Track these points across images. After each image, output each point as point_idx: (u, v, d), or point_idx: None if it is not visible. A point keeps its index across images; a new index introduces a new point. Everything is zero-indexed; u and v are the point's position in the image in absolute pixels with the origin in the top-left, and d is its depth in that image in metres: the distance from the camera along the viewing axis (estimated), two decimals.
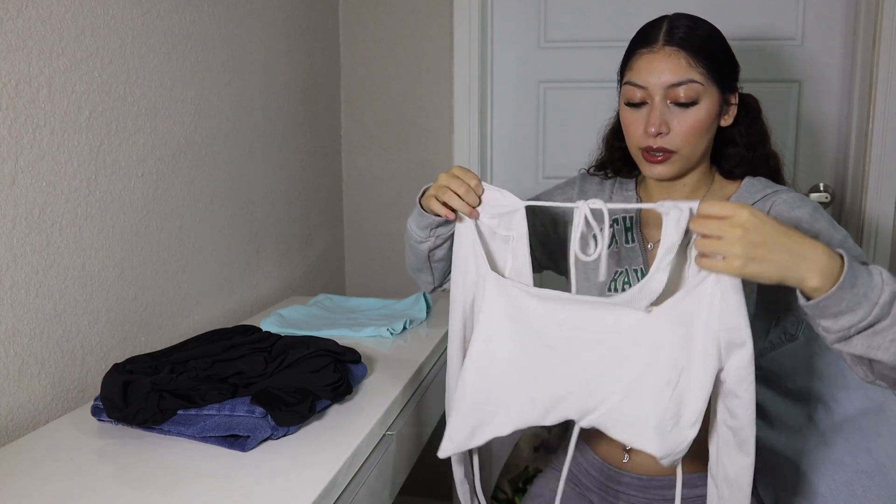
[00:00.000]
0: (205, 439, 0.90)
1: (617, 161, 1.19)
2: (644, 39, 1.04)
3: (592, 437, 1.19)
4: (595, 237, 0.89)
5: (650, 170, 1.06)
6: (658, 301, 0.85)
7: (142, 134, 1.22)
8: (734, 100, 1.07)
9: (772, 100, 1.23)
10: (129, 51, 1.18)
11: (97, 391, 0.97)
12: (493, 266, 0.95)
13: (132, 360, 1.02)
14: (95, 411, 0.96)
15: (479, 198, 0.95)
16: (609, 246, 1.14)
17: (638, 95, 1.03)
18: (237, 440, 0.89)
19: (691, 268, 0.84)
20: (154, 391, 0.91)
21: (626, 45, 1.08)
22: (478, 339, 0.91)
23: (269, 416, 0.90)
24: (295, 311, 1.50)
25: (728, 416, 0.84)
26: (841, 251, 0.80)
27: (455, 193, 0.94)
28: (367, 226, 2.14)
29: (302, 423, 0.95)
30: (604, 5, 1.96)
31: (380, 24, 2.04)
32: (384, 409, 1.02)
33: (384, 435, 1.03)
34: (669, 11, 1.08)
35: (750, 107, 1.11)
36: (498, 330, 0.90)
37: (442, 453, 0.92)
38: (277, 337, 1.12)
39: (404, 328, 1.41)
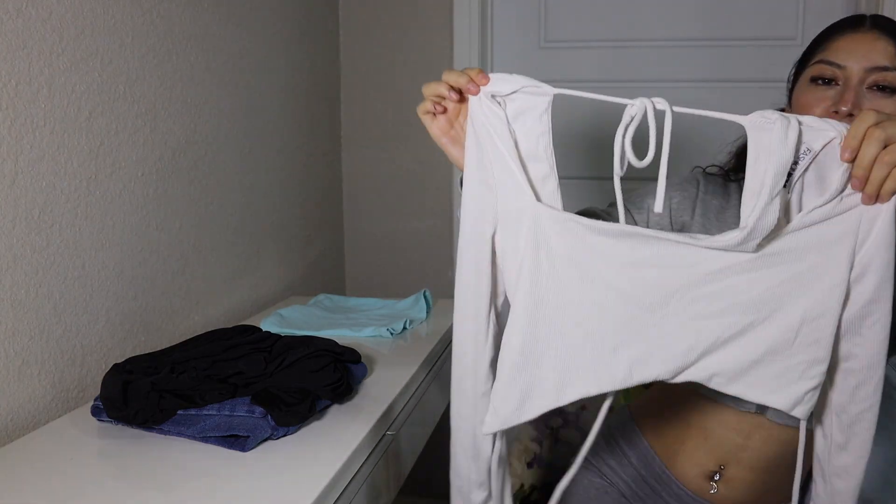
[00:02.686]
0: (205, 439, 0.90)
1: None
2: (847, 23, 0.96)
3: (670, 453, 1.06)
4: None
5: None
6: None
7: (142, 134, 1.22)
8: None
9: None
10: (129, 51, 1.18)
11: (97, 391, 0.96)
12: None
13: (132, 360, 1.01)
14: (95, 411, 0.96)
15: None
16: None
17: (830, 73, 0.93)
18: (237, 440, 0.89)
19: (804, 195, 0.73)
20: (154, 391, 0.91)
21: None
22: (524, 289, 0.75)
23: (269, 416, 0.90)
24: (295, 311, 1.50)
25: (845, 358, 0.75)
26: None
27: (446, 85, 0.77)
28: (367, 226, 2.14)
29: (302, 423, 0.94)
30: (604, 5, 1.95)
31: (380, 24, 2.04)
32: (384, 409, 1.02)
33: (384, 435, 1.03)
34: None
35: None
36: (551, 276, 0.75)
37: (486, 429, 0.79)
38: (277, 337, 1.12)
39: (404, 328, 1.41)
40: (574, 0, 1.97)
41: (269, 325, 1.38)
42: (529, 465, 1.46)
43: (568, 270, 0.75)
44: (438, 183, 2.06)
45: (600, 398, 0.77)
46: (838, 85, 0.92)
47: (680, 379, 0.75)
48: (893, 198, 0.69)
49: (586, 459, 1.11)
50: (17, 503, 0.77)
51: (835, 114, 0.90)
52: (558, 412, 1.47)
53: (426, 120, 0.82)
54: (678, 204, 1.04)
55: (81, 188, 1.09)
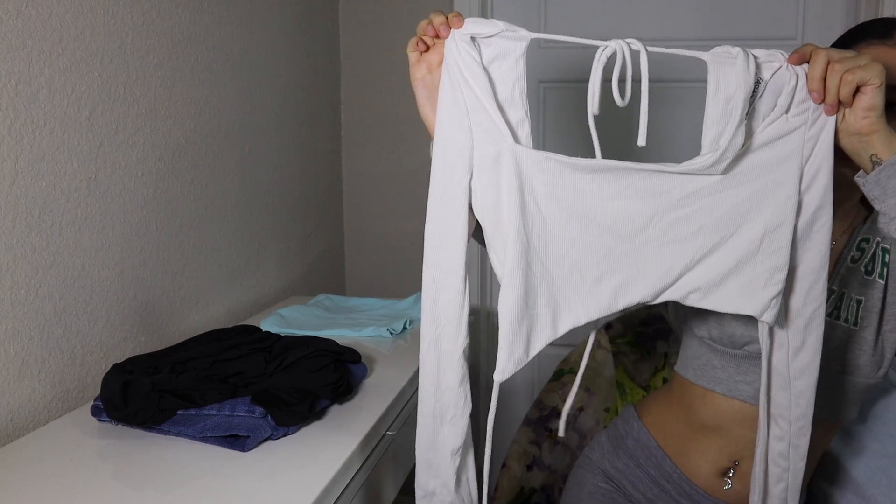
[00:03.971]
0: (205, 439, 0.90)
1: None
2: (873, 30, 0.92)
3: (682, 452, 1.04)
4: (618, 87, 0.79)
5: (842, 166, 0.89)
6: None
7: (142, 134, 1.22)
8: None
9: None
10: (129, 51, 1.18)
11: (97, 391, 0.97)
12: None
13: (132, 360, 1.02)
14: (95, 411, 0.96)
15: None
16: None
17: None
18: (237, 440, 0.89)
19: (758, 117, 0.78)
20: (154, 391, 0.91)
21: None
22: (514, 233, 0.77)
23: (269, 416, 0.90)
24: (295, 311, 1.50)
25: (799, 262, 0.80)
26: None
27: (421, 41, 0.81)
28: (367, 226, 2.14)
29: (302, 423, 0.95)
30: (604, 6, 1.95)
31: (380, 24, 2.04)
32: (384, 409, 1.02)
33: (384, 435, 1.03)
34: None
35: None
36: (536, 215, 0.78)
37: (501, 376, 0.77)
38: (277, 337, 1.12)
39: (404, 328, 1.41)
40: (574, 0, 1.97)
41: (269, 325, 1.38)
42: (529, 467, 1.45)
43: (551, 208, 0.78)
44: None
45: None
46: None
47: (660, 299, 0.80)
48: (832, 116, 0.76)
49: (591, 462, 1.11)
50: (17, 503, 0.77)
51: None
52: (556, 414, 1.47)
53: (412, 58, 0.83)
54: None
55: (81, 188, 1.09)
